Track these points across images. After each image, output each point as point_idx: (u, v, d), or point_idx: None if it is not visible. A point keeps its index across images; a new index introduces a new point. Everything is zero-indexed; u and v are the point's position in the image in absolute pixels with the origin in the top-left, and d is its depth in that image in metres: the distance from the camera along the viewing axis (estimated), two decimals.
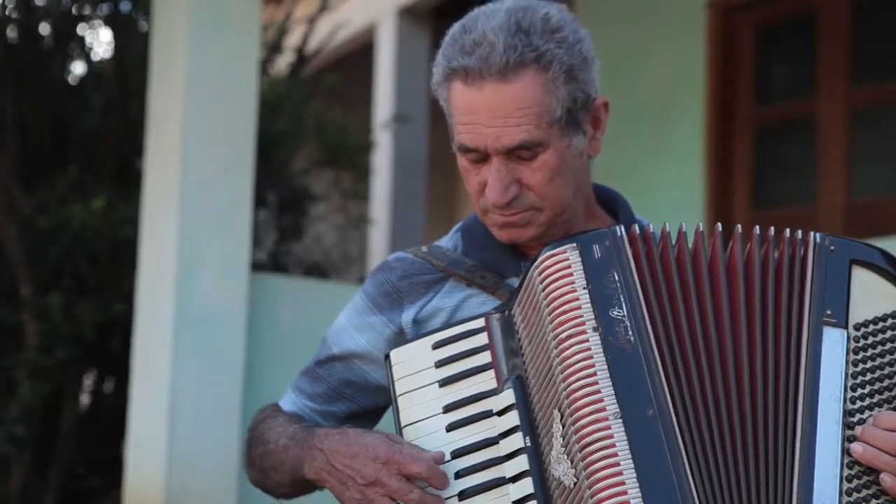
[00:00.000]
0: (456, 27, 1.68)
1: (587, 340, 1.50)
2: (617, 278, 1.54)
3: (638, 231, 1.58)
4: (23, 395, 4.32)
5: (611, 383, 1.48)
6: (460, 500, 1.56)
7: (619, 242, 1.57)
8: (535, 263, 1.58)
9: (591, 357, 1.49)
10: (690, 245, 1.58)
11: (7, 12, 5.01)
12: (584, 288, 1.53)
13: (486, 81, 1.61)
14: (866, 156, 4.84)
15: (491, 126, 1.63)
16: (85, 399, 4.95)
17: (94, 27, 5.27)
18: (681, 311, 1.54)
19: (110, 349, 4.59)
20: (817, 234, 1.60)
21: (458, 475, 1.58)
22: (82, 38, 5.22)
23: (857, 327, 1.55)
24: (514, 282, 1.71)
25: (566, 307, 1.52)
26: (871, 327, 1.55)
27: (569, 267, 1.55)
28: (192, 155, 3.88)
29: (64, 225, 4.51)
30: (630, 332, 1.51)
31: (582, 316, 1.52)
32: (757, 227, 1.60)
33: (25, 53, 4.89)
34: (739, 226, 1.58)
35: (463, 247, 1.79)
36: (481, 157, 1.66)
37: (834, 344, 1.53)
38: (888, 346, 1.54)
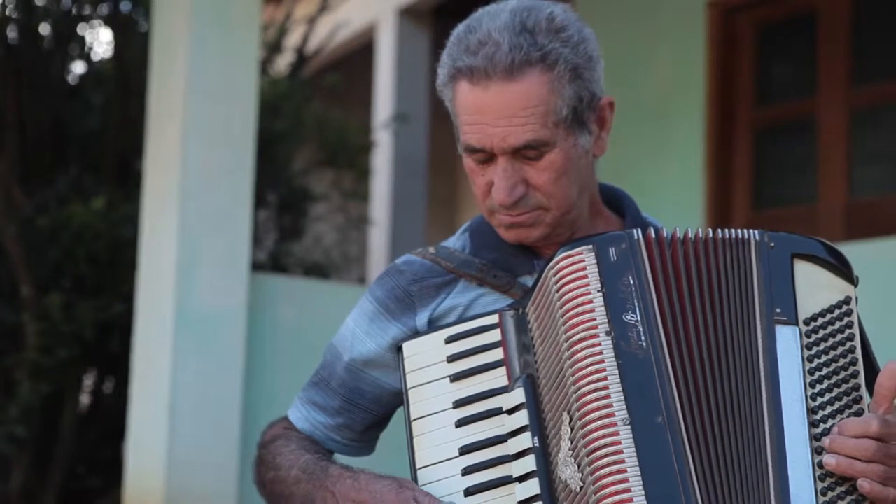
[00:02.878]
0: (461, 27, 1.68)
1: (599, 344, 1.50)
2: (632, 282, 1.53)
3: (654, 235, 1.58)
4: (23, 395, 4.31)
5: (621, 388, 1.48)
6: (466, 496, 1.57)
7: (636, 246, 1.56)
8: (551, 264, 1.58)
9: (602, 361, 1.49)
10: (695, 249, 1.58)
11: (7, 12, 5.01)
12: (599, 291, 1.53)
13: (492, 81, 1.61)
14: (866, 156, 4.84)
15: (497, 126, 1.62)
16: (85, 399, 4.94)
17: (94, 27, 5.25)
18: (689, 318, 1.54)
19: (110, 349, 4.58)
20: (755, 232, 1.59)
21: (466, 471, 1.58)
22: (82, 38, 5.21)
23: (806, 322, 1.55)
24: (527, 280, 1.71)
25: (580, 309, 1.52)
26: (820, 320, 1.55)
27: (584, 269, 1.55)
28: (192, 155, 3.87)
29: (64, 225, 4.50)
30: (642, 338, 1.51)
31: (595, 319, 1.51)
32: (710, 229, 1.59)
33: (25, 53, 4.88)
34: (698, 229, 1.58)
35: (471, 247, 1.78)
36: (487, 157, 1.66)
37: (788, 343, 1.53)
38: (838, 337, 1.54)
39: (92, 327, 4.38)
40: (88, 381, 4.94)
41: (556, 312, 1.55)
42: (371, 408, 1.80)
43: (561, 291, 1.54)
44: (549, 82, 1.62)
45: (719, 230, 1.59)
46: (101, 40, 5.32)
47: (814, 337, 1.54)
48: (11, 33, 4.98)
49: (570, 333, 1.52)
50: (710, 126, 5.04)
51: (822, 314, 1.55)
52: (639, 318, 1.52)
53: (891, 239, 3.96)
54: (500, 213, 1.69)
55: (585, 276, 1.54)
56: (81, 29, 5.19)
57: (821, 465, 1.47)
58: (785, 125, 5.11)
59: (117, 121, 4.87)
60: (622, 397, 1.47)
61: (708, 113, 5.05)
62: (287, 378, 3.94)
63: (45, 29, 5.06)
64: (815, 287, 1.56)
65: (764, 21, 5.12)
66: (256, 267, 4.75)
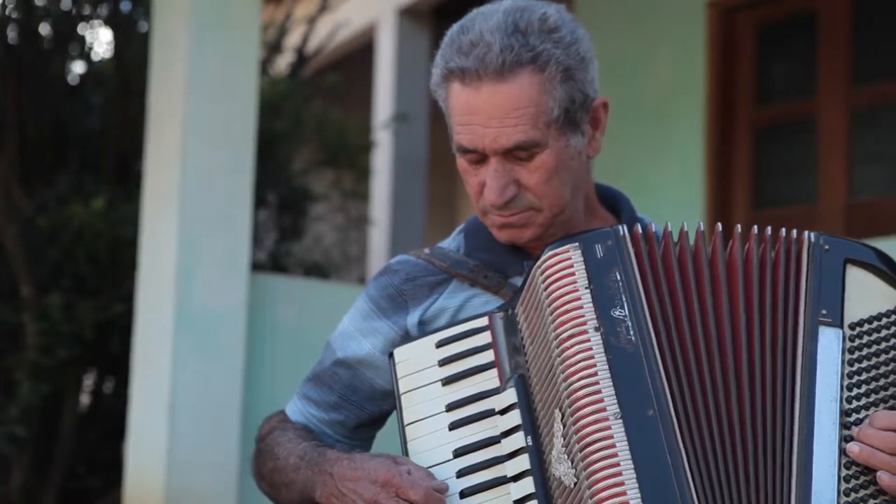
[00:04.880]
0: (454, 28, 1.69)
1: (588, 340, 1.51)
2: (619, 278, 1.54)
3: (640, 230, 1.58)
4: (23, 395, 4.31)
5: (611, 383, 1.48)
6: (461, 498, 1.57)
7: (622, 242, 1.57)
8: (538, 263, 1.59)
9: (592, 357, 1.50)
10: (691, 245, 1.58)
11: (7, 12, 5.01)
12: (586, 287, 1.54)
13: (483, 82, 1.62)
14: (866, 156, 4.84)
15: (488, 126, 1.63)
16: (85, 399, 4.94)
17: (94, 27, 5.26)
18: (682, 312, 1.54)
19: (110, 349, 4.58)
20: (812, 234, 1.60)
21: (460, 474, 1.58)
22: (82, 38, 5.21)
23: (852, 326, 1.55)
24: (518, 281, 1.71)
25: (568, 307, 1.53)
26: (867, 326, 1.55)
27: (571, 266, 1.55)
28: (192, 155, 3.87)
29: (64, 225, 4.50)
30: (631, 333, 1.51)
31: (583, 316, 1.52)
32: (755, 226, 1.60)
33: (25, 53, 4.88)
34: (739, 226, 1.58)
35: (465, 248, 1.80)
36: (480, 157, 1.67)
37: (829, 343, 1.53)
38: (883, 345, 1.55)
39: (92, 327, 4.38)
40: (88, 381, 4.95)
41: (544, 311, 1.55)
42: (364, 405, 1.82)
43: (549, 290, 1.55)
44: (541, 83, 1.62)
45: (776, 230, 1.59)
46: (101, 40, 5.33)
47: (858, 342, 1.54)
48: (11, 33, 4.98)
49: (559, 331, 1.52)
50: (710, 126, 5.04)
51: (869, 320, 1.56)
52: (627, 314, 1.52)
53: (891, 239, 3.96)
54: (493, 214, 1.69)
55: (573, 274, 1.55)
56: (81, 29, 5.19)
57: (847, 466, 1.48)
58: (785, 125, 5.11)
59: (117, 121, 4.88)
60: (613, 392, 1.48)
61: (708, 113, 5.04)
62: (287, 378, 3.93)
63: (45, 29, 5.06)
64: (865, 293, 1.57)
65: (764, 21, 5.12)
66: (256, 267, 4.75)
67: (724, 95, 5.05)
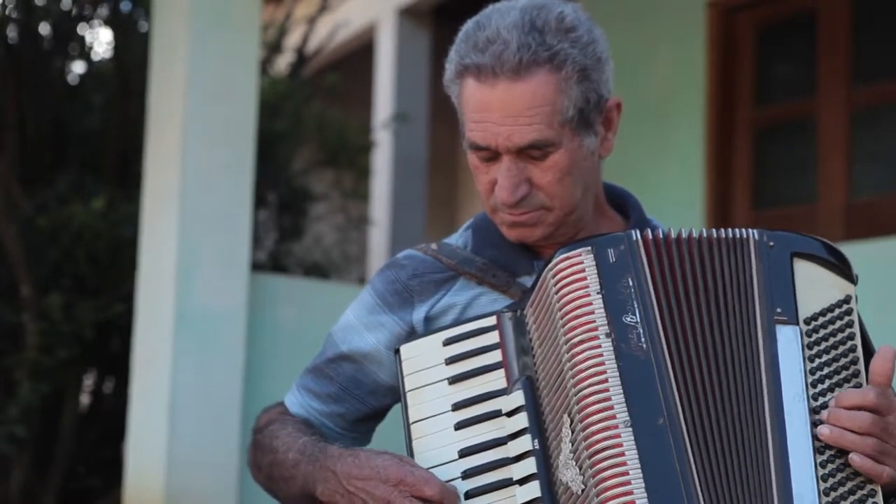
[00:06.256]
0: (470, 24, 1.68)
1: (599, 346, 1.49)
2: (631, 284, 1.53)
3: (651, 236, 1.57)
4: (23, 395, 4.31)
5: (622, 390, 1.47)
6: (466, 498, 1.56)
7: (635, 247, 1.56)
8: (550, 265, 1.57)
9: (602, 363, 1.48)
10: (690, 250, 1.58)
11: (7, 12, 5.01)
12: (598, 293, 1.52)
13: (499, 79, 1.61)
14: (866, 156, 4.84)
15: (502, 124, 1.62)
16: (85, 399, 4.94)
17: (94, 27, 5.26)
18: (687, 319, 1.53)
19: (110, 349, 4.58)
20: (755, 231, 1.59)
21: (466, 475, 1.57)
22: (82, 38, 5.21)
23: (807, 321, 1.54)
24: (526, 280, 1.70)
25: (579, 311, 1.52)
26: (821, 319, 1.55)
27: (583, 270, 1.54)
28: (192, 155, 3.87)
29: (64, 225, 4.50)
30: (643, 339, 1.50)
31: (595, 321, 1.51)
32: (703, 229, 1.59)
33: (25, 53, 4.88)
34: (693, 229, 1.58)
35: (473, 245, 1.79)
36: (492, 155, 1.66)
37: (788, 343, 1.53)
38: (839, 336, 1.54)
39: (92, 327, 4.38)
40: (88, 381, 4.95)
41: (555, 314, 1.54)
42: (366, 399, 1.80)
43: (560, 293, 1.54)
44: (557, 83, 1.62)
45: (718, 230, 1.59)
46: (101, 40, 5.33)
47: (814, 336, 1.54)
48: (11, 33, 4.98)
49: (569, 335, 1.51)
50: (710, 126, 5.04)
51: (822, 313, 1.55)
52: (638, 320, 1.51)
53: (891, 239, 3.96)
54: (503, 212, 1.69)
55: (584, 278, 1.53)
56: (81, 29, 5.19)
57: (823, 465, 1.47)
58: (785, 125, 5.11)
59: (117, 121, 4.88)
60: (623, 399, 1.46)
61: (708, 113, 5.04)
62: (287, 378, 3.89)
63: (45, 29, 5.06)
64: (815, 286, 1.56)
65: (764, 21, 5.12)
66: (256, 267, 4.75)
67: (724, 95, 5.05)
